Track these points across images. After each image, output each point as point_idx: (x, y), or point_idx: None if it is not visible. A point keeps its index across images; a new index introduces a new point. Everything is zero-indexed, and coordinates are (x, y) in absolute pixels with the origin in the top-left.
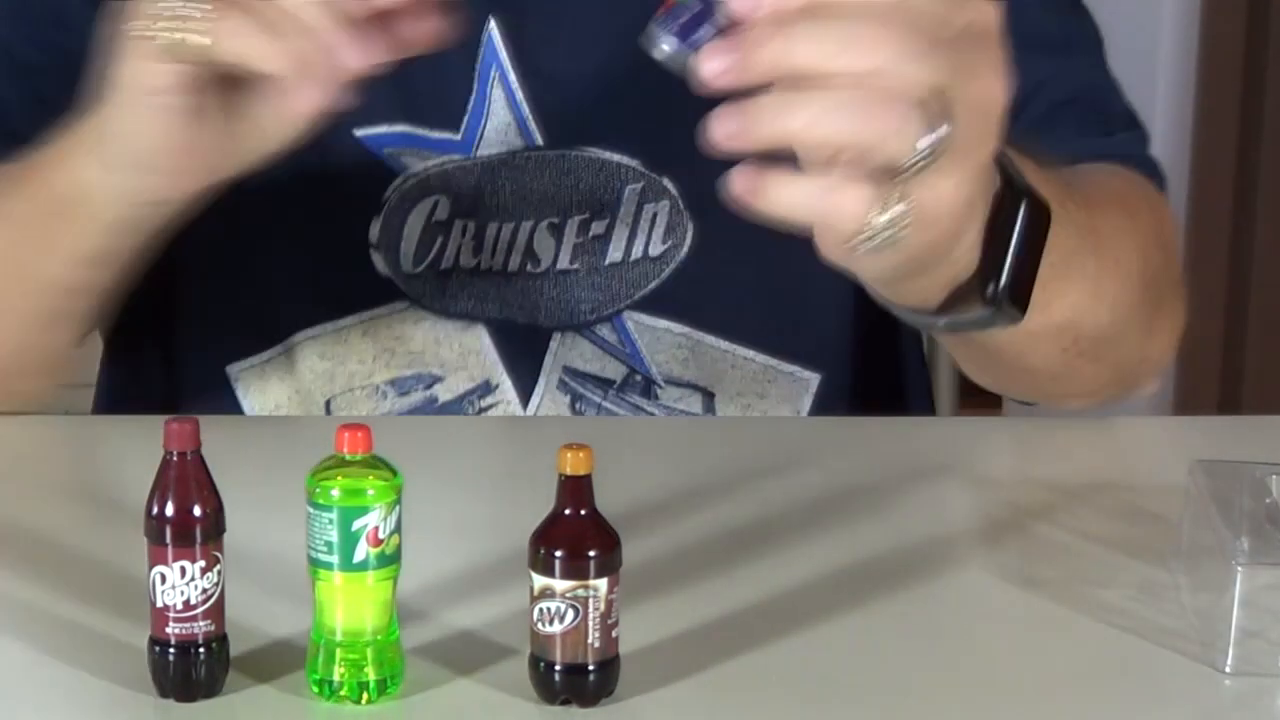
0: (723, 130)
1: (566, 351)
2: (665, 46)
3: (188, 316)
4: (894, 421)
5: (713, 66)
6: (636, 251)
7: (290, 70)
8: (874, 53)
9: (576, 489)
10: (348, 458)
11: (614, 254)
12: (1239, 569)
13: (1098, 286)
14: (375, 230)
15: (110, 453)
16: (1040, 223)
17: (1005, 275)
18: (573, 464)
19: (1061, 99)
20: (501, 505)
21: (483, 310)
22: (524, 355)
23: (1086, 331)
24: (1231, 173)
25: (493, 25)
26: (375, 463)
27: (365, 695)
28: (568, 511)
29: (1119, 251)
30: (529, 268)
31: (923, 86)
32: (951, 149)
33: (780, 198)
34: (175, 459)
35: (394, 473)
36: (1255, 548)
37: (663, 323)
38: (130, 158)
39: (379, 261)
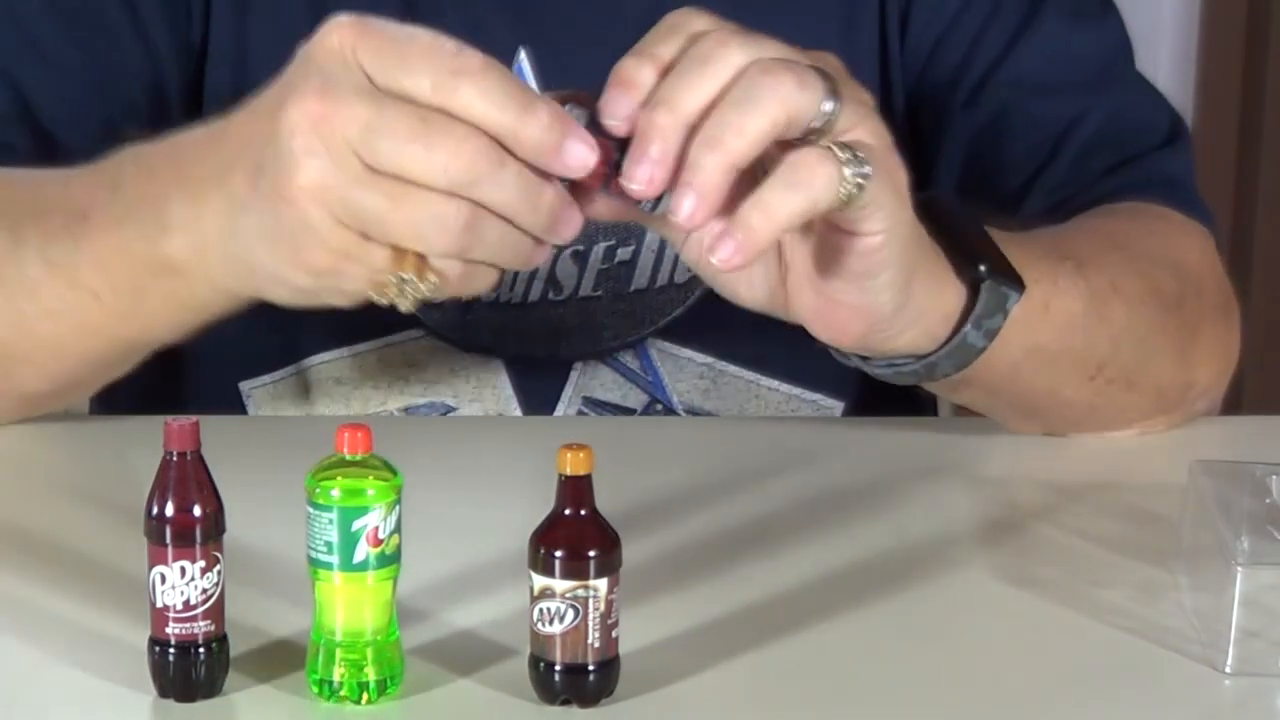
0: (694, 221)
1: (587, 381)
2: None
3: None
4: (894, 421)
5: (640, 180)
6: (662, 278)
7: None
8: (740, 55)
9: (576, 489)
10: (348, 458)
11: (639, 280)
12: (1239, 569)
13: (1098, 307)
14: None
15: (110, 453)
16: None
17: (981, 254)
18: (573, 464)
19: (1089, 135)
20: (501, 505)
21: (502, 346)
22: (542, 388)
23: (1102, 355)
24: (1231, 173)
25: (523, 57)
26: (375, 463)
27: (365, 695)
28: (568, 511)
29: (1112, 274)
30: (550, 295)
31: (799, 64)
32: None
33: (770, 215)
34: (175, 459)
35: (394, 473)
36: (1255, 548)
37: (686, 352)
38: (266, 289)
39: None
